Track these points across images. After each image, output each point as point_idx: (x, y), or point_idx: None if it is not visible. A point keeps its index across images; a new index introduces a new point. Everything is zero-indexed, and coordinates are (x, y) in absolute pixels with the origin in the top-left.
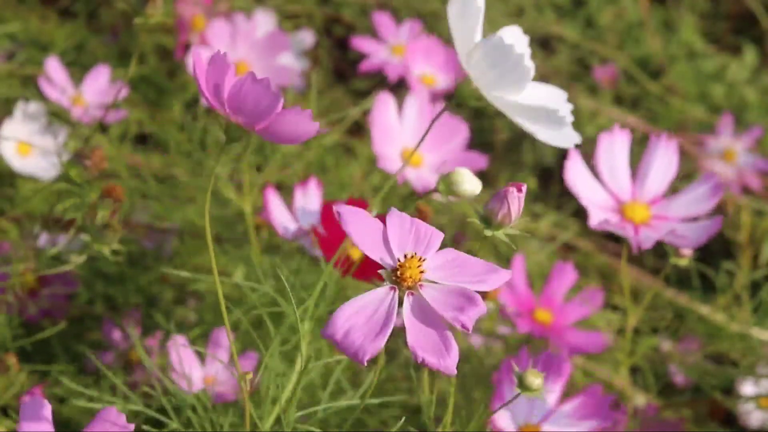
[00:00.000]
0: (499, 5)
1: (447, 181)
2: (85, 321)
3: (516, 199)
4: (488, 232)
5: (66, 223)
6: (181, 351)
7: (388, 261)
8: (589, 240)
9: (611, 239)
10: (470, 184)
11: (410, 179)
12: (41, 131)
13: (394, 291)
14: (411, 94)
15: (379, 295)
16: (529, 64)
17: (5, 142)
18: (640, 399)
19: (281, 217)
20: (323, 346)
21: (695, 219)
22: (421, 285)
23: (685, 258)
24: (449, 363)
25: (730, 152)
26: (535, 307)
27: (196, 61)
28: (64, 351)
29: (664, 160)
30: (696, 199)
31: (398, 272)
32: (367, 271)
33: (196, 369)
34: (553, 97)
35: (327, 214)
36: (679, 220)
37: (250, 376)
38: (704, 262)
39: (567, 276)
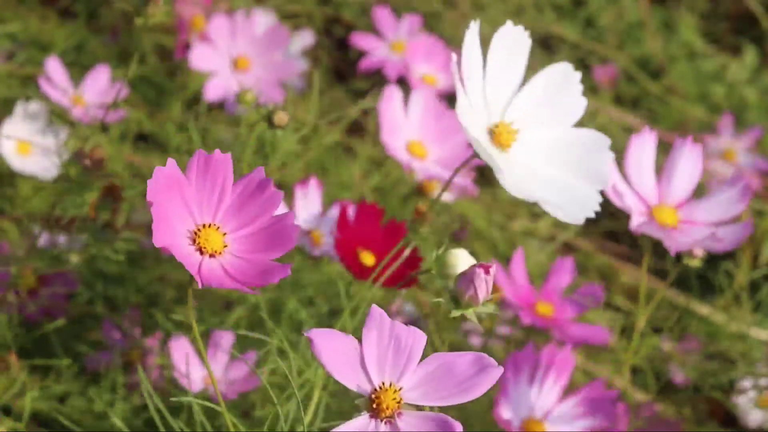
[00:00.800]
0: (499, 5)
1: (441, 263)
2: (85, 320)
3: (483, 282)
4: (455, 313)
5: (66, 223)
6: (183, 352)
7: (365, 387)
8: (589, 240)
9: (611, 239)
10: (465, 267)
11: (415, 171)
12: (41, 131)
13: (375, 419)
14: (416, 90)
15: (361, 423)
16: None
17: (5, 141)
18: (639, 398)
19: None
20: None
21: (723, 222)
22: (399, 413)
23: (697, 259)
24: None
25: (730, 152)
26: (536, 301)
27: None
28: (64, 350)
29: (689, 164)
30: (724, 203)
31: (374, 403)
32: (388, 279)
33: (197, 369)
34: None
35: (342, 216)
36: (707, 223)
37: None
38: (704, 261)
39: (567, 272)
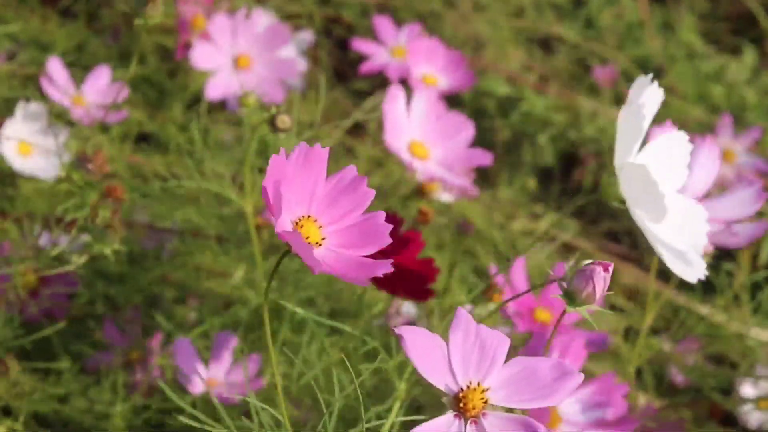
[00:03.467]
0: (499, 5)
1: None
2: (86, 321)
3: (601, 279)
4: (570, 309)
5: (67, 224)
6: (186, 353)
7: (452, 387)
8: (588, 240)
9: (611, 239)
10: None
11: (417, 171)
12: (42, 131)
13: (459, 418)
14: (418, 91)
15: (446, 422)
16: (667, 203)
17: (6, 142)
18: (640, 399)
19: None
20: (323, 346)
21: (737, 221)
22: (484, 413)
23: (707, 255)
24: None
25: (729, 152)
26: (536, 307)
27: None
28: (64, 351)
29: (707, 163)
30: (739, 203)
31: (461, 402)
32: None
33: (200, 372)
34: (691, 220)
35: None
36: (722, 221)
37: None
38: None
39: None
